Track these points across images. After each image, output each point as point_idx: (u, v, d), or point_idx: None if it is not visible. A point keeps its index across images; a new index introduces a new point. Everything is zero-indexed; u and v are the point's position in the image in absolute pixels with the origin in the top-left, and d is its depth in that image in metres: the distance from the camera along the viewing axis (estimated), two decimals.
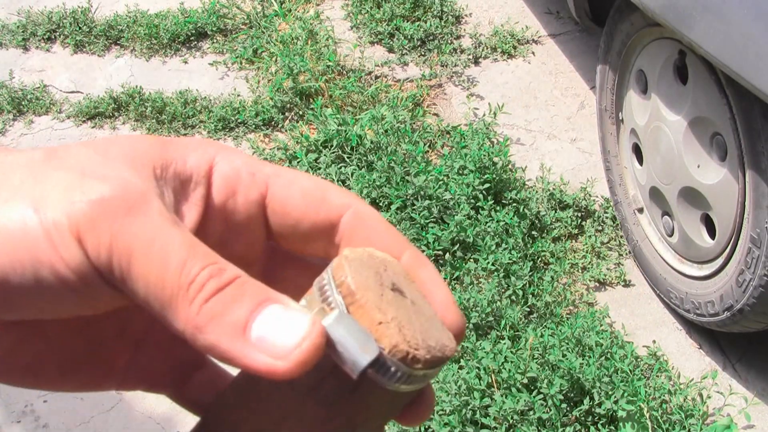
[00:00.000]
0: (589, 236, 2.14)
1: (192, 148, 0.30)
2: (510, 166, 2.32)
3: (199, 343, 0.26)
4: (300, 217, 0.31)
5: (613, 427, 1.66)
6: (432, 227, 2.05)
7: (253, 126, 2.58)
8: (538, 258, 2.08)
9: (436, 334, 0.29)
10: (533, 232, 2.13)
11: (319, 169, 2.31)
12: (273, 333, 0.26)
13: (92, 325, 0.33)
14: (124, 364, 0.35)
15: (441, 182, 2.16)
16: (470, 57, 2.79)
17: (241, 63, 2.86)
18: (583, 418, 1.67)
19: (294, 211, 0.31)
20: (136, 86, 2.75)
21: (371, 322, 0.28)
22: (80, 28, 3.05)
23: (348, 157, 2.32)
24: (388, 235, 0.31)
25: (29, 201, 0.26)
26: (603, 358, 1.74)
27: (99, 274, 0.26)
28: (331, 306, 0.28)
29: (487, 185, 2.14)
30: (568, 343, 1.77)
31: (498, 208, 2.12)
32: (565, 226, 2.15)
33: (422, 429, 1.68)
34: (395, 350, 0.27)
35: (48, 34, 3.07)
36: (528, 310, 1.93)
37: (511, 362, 1.71)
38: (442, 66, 2.75)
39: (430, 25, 2.85)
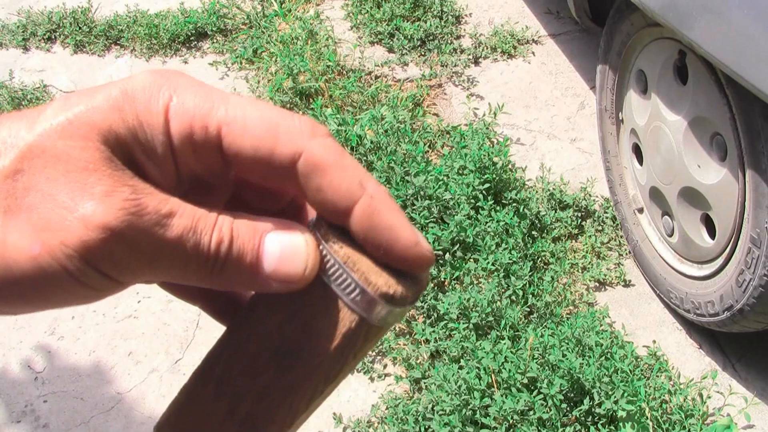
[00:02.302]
0: (589, 236, 2.14)
1: (144, 103, 0.30)
2: (510, 166, 2.32)
3: (222, 289, 0.33)
4: (256, 168, 0.32)
5: (613, 427, 1.66)
6: (432, 227, 2.05)
7: None
8: (538, 258, 2.08)
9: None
10: (533, 232, 2.13)
11: None
12: (280, 268, 0.31)
13: None
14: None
15: (441, 182, 2.16)
16: (470, 57, 2.79)
17: (241, 63, 2.86)
18: (583, 418, 1.67)
19: (249, 163, 0.32)
20: None
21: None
22: (80, 28, 3.05)
23: None
24: (343, 182, 0.31)
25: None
26: (603, 358, 1.74)
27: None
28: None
29: (487, 185, 2.14)
30: (568, 343, 1.77)
31: (498, 208, 2.12)
32: (565, 226, 2.15)
33: (422, 429, 1.68)
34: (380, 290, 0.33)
35: (48, 34, 3.07)
36: (528, 310, 1.93)
37: (511, 362, 1.71)
38: (442, 66, 2.75)
39: (430, 25, 2.85)
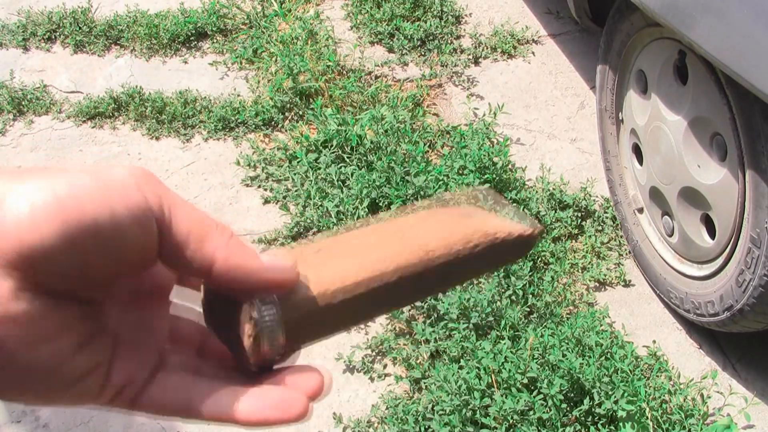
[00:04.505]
0: (589, 236, 2.14)
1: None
2: (510, 166, 2.32)
3: (231, 260, 0.37)
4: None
5: (613, 427, 1.66)
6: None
7: (253, 126, 2.58)
8: (538, 258, 2.08)
9: None
10: None
11: (319, 168, 2.31)
12: (274, 258, 0.39)
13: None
14: (105, 360, 0.38)
15: (441, 182, 2.16)
16: (470, 57, 2.79)
17: (241, 63, 2.86)
18: (583, 418, 1.67)
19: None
20: (136, 86, 2.75)
21: None
22: (80, 28, 3.05)
23: (348, 157, 2.33)
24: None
25: (89, 173, 0.34)
26: (603, 358, 1.74)
27: (152, 214, 0.35)
28: None
29: (487, 185, 2.14)
30: (568, 343, 1.77)
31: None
32: (565, 226, 2.15)
33: (422, 429, 1.68)
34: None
35: (48, 34, 3.07)
36: (528, 310, 1.93)
37: (511, 362, 1.71)
38: (442, 66, 2.75)
39: (430, 25, 2.85)
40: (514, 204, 0.47)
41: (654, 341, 1.90)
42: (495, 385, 1.68)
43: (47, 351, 0.34)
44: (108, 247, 0.34)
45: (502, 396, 1.65)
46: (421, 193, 2.11)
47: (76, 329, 0.36)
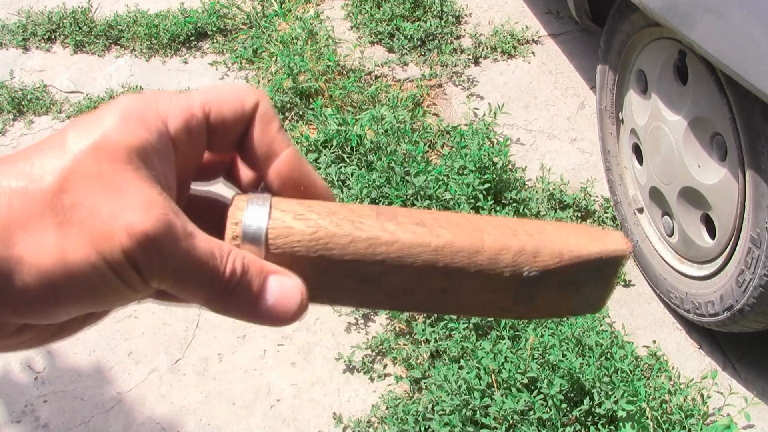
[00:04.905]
0: None
1: (143, 117, 0.36)
2: (510, 166, 2.32)
3: (221, 314, 0.36)
4: (232, 129, 0.39)
5: (613, 427, 1.66)
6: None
7: None
8: None
9: None
10: None
11: (319, 168, 2.31)
12: (277, 304, 0.37)
13: None
14: None
15: (441, 182, 2.16)
16: (470, 57, 2.79)
17: (241, 63, 2.86)
18: (583, 418, 1.67)
19: (229, 125, 0.39)
20: (136, 86, 2.75)
21: None
22: (80, 28, 3.05)
23: (348, 157, 2.33)
24: (280, 131, 0.40)
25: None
26: (603, 358, 1.74)
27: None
28: None
29: (487, 185, 2.14)
30: (568, 343, 1.77)
31: (498, 208, 2.12)
32: None
33: (422, 429, 1.68)
34: None
35: (48, 34, 3.07)
36: None
37: (511, 362, 1.71)
38: (442, 66, 2.75)
39: (430, 25, 2.85)
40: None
41: (654, 341, 1.90)
42: (495, 385, 1.68)
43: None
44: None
45: (502, 396, 1.65)
46: (421, 193, 2.11)
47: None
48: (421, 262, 0.38)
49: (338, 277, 0.38)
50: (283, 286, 0.37)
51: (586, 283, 0.41)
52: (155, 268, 0.33)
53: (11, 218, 0.32)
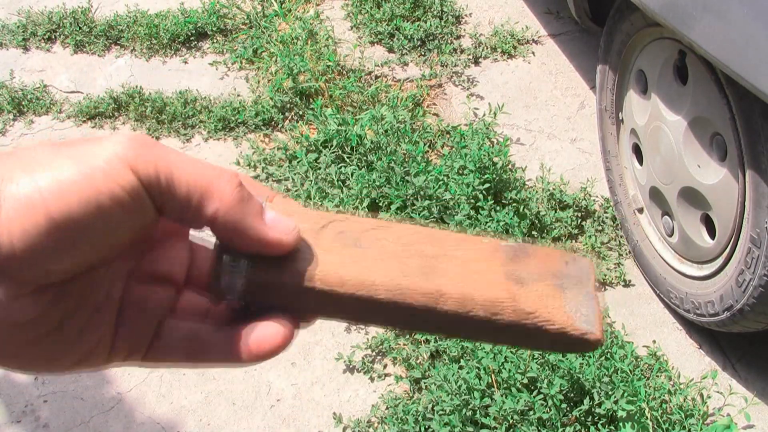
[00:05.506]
0: (589, 236, 2.14)
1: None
2: (510, 166, 2.32)
3: (229, 217, 0.37)
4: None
5: (613, 427, 1.66)
6: (432, 227, 2.05)
7: (253, 126, 2.58)
8: None
9: None
10: (533, 232, 2.13)
11: (319, 168, 2.31)
12: (279, 218, 0.38)
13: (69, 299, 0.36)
14: (109, 332, 0.38)
15: (441, 182, 2.16)
16: (470, 57, 2.79)
17: (241, 63, 2.86)
18: (583, 418, 1.67)
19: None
20: (136, 86, 2.75)
21: None
22: (80, 28, 3.05)
23: (348, 157, 2.32)
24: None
25: (74, 158, 0.34)
26: (603, 358, 1.74)
27: (147, 192, 0.35)
28: None
29: (487, 185, 2.14)
30: None
31: (498, 208, 2.12)
32: (565, 226, 2.15)
33: (422, 429, 1.68)
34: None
35: (48, 34, 3.07)
36: None
37: (511, 362, 1.71)
38: (442, 66, 2.75)
39: (430, 25, 2.85)
40: (599, 293, 0.45)
41: (654, 341, 1.90)
42: (495, 385, 1.68)
43: (48, 345, 0.35)
44: (98, 236, 0.34)
45: (502, 396, 1.65)
46: (421, 193, 2.11)
47: (76, 315, 0.36)
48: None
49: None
50: (277, 214, 0.39)
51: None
52: (149, 162, 0.35)
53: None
